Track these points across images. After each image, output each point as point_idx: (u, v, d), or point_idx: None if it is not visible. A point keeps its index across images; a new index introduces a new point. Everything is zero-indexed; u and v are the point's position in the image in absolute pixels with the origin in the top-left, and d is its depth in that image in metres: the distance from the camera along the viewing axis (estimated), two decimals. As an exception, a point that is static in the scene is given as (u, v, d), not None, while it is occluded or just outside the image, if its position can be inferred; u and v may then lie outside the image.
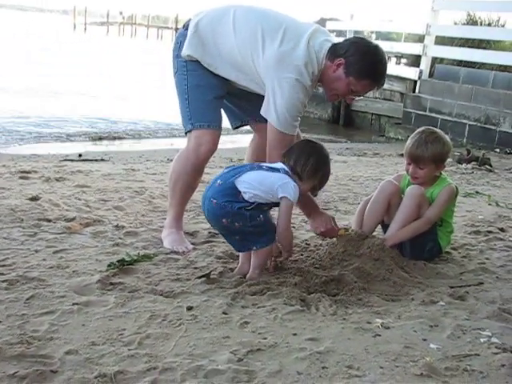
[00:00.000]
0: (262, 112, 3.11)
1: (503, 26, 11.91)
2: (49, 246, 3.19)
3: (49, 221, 3.61)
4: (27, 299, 2.50)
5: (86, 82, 14.76)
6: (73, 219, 3.67)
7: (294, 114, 3.09)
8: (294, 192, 2.80)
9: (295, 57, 3.02)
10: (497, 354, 2.21)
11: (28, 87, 12.00)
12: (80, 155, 6.52)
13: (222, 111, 3.42)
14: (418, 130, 3.45)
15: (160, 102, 12.30)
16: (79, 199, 4.21)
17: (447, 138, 3.46)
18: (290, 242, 2.97)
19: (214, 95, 3.28)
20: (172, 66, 3.35)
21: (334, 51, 3.08)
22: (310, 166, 2.87)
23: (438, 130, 3.49)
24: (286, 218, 2.84)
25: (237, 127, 3.65)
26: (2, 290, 2.58)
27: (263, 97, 3.12)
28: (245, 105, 3.46)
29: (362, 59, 3.05)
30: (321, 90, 3.33)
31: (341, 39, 3.26)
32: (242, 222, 2.76)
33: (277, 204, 2.84)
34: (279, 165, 2.89)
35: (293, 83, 3.01)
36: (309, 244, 3.45)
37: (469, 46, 10.67)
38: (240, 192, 2.76)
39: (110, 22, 69.30)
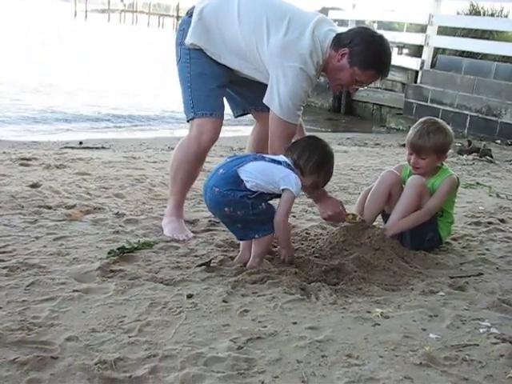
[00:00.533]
0: (265, 100, 3.10)
1: (506, 16, 11.85)
2: (49, 233, 3.19)
3: (49, 208, 3.61)
4: (28, 286, 2.50)
5: (88, 79, 14.69)
6: (73, 206, 3.67)
7: (297, 103, 3.07)
8: (297, 185, 2.81)
9: (300, 46, 3.01)
10: (496, 344, 2.22)
11: (30, 85, 11.94)
12: (81, 143, 6.51)
13: (225, 100, 3.41)
14: (421, 120, 3.45)
15: (162, 93, 12.27)
16: (80, 187, 4.21)
17: (449, 128, 3.45)
18: (287, 238, 2.95)
19: (216, 84, 3.27)
20: (175, 54, 3.34)
21: (339, 41, 3.06)
22: (313, 162, 2.88)
23: (440, 121, 3.48)
24: (285, 208, 2.83)
25: (239, 115, 3.65)
26: (2, 277, 2.59)
27: (265, 86, 3.11)
28: (247, 93, 3.45)
29: (367, 49, 3.03)
30: (322, 79, 3.32)
31: (343, 29, 3.25)
32: (245, 210, 2.76)
33: (279, 195, 2.85)
34: (282, 158, 2.89)
35: (297, 72, 2.99)
36: (309, 233, 3.45)
37: (471, 37, 10.63)
38: (242, 181, 2.75)
39: (111, 10, 68.92)
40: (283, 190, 2.79)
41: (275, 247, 3.08)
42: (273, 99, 3.06)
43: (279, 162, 2.85)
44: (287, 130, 3.07)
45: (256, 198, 2.76)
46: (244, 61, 3.18)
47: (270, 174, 2.80)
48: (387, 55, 3.12)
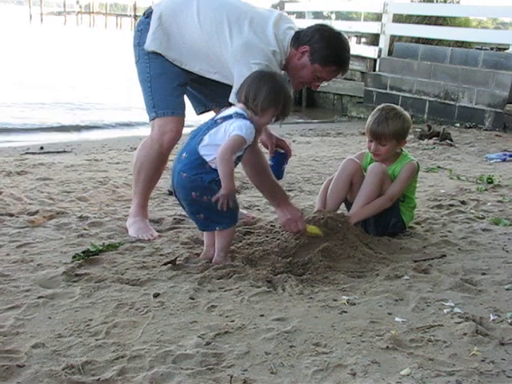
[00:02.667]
0: (231, 99, 3.08)
1: (458, 2, 12.05)
2: (12, 241, 3.15)
3: (11, 215, 3.56)
4: (-9, 295, 2.47)
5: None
6: (36, 212, 3.62)
7: None
8: (246, 129, 2.69)
9: (264, 45, 3.02)
10: (459, 323, 2.26)
11: None
12: (41, 148, 6.43)
13: (186, 98, 3.41)
14: (378, 107, 3.49)
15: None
16: (42, 192, 4.16)
17: (407, 113, 3.50)
18: (226, 173, 2.67)
19: (177, 83, 3.25)
20: (133, 55, 3.32)
21: (298, 39, 3.09)
22: (264, 97, 2.75)
23: (397, 107, 3.53)
24: (229, 143, 2.66)
25: (201, 113, 3.64)
26: (-35, 287, 2.55)
27: (226, 84, 3.11)
28: (208, 91, 3.45)
29: (327, 46, 3.06)
30: (283, 73, 3.32)
31: (300, 21, 3.27)
32: (211, 195, 2.71)
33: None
34: (231, 109, 2.80)
35: (263, 69, 3.01)
36: (274, 226, 3.47)
37: (426, 23, 10.78)
38: (206, 162, 2.72)
39: (67, 12, 68.06)
40: (231, 135, 2.69)
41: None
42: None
43: (230, 117, 2.75)
44: None
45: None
46: (205, 64, 3.18)
47: (223, 135, 2.71)
48: (346, 51, 3.16)
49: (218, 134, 2.73)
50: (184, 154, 2.79)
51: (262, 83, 2.78)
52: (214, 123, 2.79)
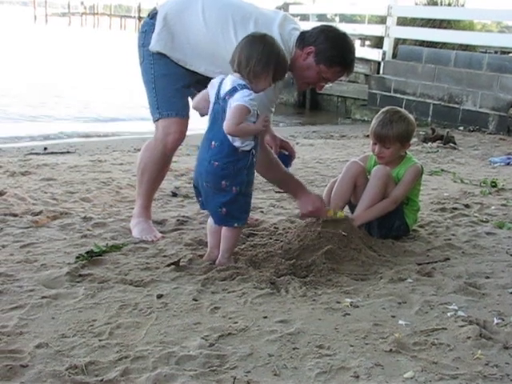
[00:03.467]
0: None
1: (463, 5, 12.03)
2: (16, 241, 3.15)
3: (15, 215, 3.57)
4: (-5, 295, 2.48)
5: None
6: (40, 213, 3.63)
7: (271, 102, 3.13)
8: (244, 96, 2.64)
9: None
10: (463, 326, 2.26)
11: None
12: (45, 148, 6.43)
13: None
14: (383, 110, 3.49)
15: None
16: (46, 192, 4.16)
17: (411, 116, 3.51)
18: (250, 129, 2.70)
19: (181, 84, 3.26)
20: (138, 56, 3.32)
21: (303, 40, 3.10)
22: (255, 63, 2.68)
23: (401, 110, 3.54)
24: (230, 118, 2.64)
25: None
26: (-31, 287, 2.55)
27: None
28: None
29: (333, 46, 3.08)
30: (287, 75, 3.33)
31: (305, 23, 3.28)
32: (240, 186, 2.73)
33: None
34: (231, 81, 2.72)
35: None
36: (277, 228, 3.47)
37: (430, 27, 10.77)
38: (238, 148, 2.69)
39: (71, 13, 68.17)
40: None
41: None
42: None
43: (235, 89, 2.67)
44: None
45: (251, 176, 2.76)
46: (210, 65, 3.18)
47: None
48: (352, 51, 3.17)
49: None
50: (213, 143, 2.73)
51: (251, 48, 2.70)
52: (224, 102, 2.71)
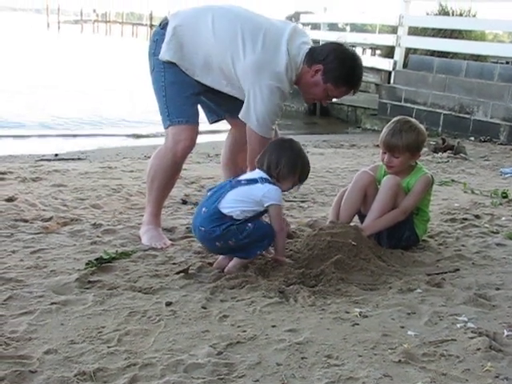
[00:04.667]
0: (242, 116, 3.16)
1: (474, 15, 12.02)
2: (26, 247, 3.17)
3: (26, 221, 3.59)
4: (5, 300, 2.48)
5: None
6: (50, 219, 3.65)
7: (273, 119, 3.18)
8: (279, 195, 2.88)
9: (276, 63, 3.07)
10: (473, 338, 2.25)
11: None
12: (56, 155, 6.47)
13: (200, 107, 3.43)
14: (393, 120, 3.49)
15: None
16: (56, 198, 4.18)
17: (422, 127, 3.49)
18: (284, 247, 3.03)
19: (191, 91, 3.28)
20: (149, 64, 3.35)
21: (312, 56, 3.12)
22: (283, 166, 2.90)
23: (412, 120, 3.53)
24: (279, 221, 2.92)
25: (214, 122, 3.66)
26: (-21, 292, 2.56)
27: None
28: (221, 101, 3.47)
29: (341, 66, 3.11)
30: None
31: (315, 32, 3.31)
32: (234, 237, 2.81)
33: (264, 212, 2.91)
34: (255, 174, 2.94)
35: (273, 90, 3.07)
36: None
37: (441, 36, 10.76)
38: (225, 215, 2.81)
39: (83, 20, 68.72)
40: (268, 206, 2.85)
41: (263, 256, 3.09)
42: (250, 116, 3.13)
43: (255, 181, 2.89)
44: (264, 143, 3.12)
45: (240, 223, 2.81)
46: (217, 76, 3.21)
47: (250, 196, 2.85)
48: (360, 72, 3.22)
49: (243, 191, 2.85)
50: (204, 209, 2.88)
51: (281, 153, 2.92)
52: (237, 183, 2.90)
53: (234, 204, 2.82)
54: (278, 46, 3.08)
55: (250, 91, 3.09)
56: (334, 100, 3.32)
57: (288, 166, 2.90)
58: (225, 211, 2.81)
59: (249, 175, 2.99)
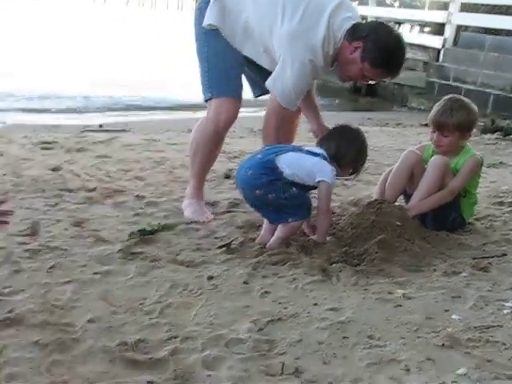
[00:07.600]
0: (268, 84, 3.10)
1: (531, -9, 11.59)
2: (70, 216, 3.21)
3: (70, 191, 3.63)
4: (49, 268, 2.53)
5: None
6: (94, 189, 3.69)
7: (299, 94, 3.10)
8: (333, 176, 2.89)
9: (313, 36, 2.98)
10: (520, 325, 2.19)
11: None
12: (101, 125, 6.52)
13: (244, 79, 3.39)
14: (444, 98, 3.41)
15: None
16: (100, 169, 4.22)
17: (474, 106, 3.39)
18: (326, 229, 2.98)
19: (234, 63, 3.24)
20: (194, 34, 3.32)
21: (354, 33, 3.02)
22: (351, 156, 2.98)
23: (464, 98, 3.43)
24: (327, 200, 2.92)
25: (258, 95, 3.61)
26: (24, 259, 2.61)
27: None
28: (265, 74, 3.42)
29: (382, 48, 3.00)
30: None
31: (363, 7, 3.23)
32: (276, 193, 2.79)
33: (312, 188, 2.91)
34: (318, 149, 2.95)
35: (305, 62, 2.99)
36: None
37: (495, 13, 10.42)
38: (278, 168, 2.79)
39: (129, -8, 68.91)
40: (319, 181, 2.85)
41: (305, 234, 3.06)
42: (276, 86, 3.07)
43: (316, 154, 2.90)
44: (284, 112, 3.11)
45: (287, 182, 2.79)
46: (255, 43, 3.16)
47: (307, 165, 2.86)
48: (400, 57, 3.09)
49: (302, 158, 2.89)
50: (259, 156, 2.89)
51: (351, 143, 3.02)
52: (299, 149, 2.96)
53: (291, 164, 2.82)
54: (318, 18, 3.00)
55: (281, 61, 3.02)
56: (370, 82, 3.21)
57: (353, 157, 3.01)
58: (279, 165, 2.81)
59: (312, 148, 3.01)
